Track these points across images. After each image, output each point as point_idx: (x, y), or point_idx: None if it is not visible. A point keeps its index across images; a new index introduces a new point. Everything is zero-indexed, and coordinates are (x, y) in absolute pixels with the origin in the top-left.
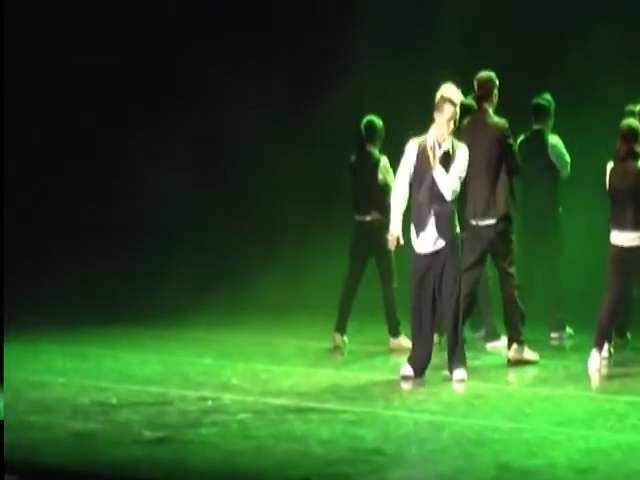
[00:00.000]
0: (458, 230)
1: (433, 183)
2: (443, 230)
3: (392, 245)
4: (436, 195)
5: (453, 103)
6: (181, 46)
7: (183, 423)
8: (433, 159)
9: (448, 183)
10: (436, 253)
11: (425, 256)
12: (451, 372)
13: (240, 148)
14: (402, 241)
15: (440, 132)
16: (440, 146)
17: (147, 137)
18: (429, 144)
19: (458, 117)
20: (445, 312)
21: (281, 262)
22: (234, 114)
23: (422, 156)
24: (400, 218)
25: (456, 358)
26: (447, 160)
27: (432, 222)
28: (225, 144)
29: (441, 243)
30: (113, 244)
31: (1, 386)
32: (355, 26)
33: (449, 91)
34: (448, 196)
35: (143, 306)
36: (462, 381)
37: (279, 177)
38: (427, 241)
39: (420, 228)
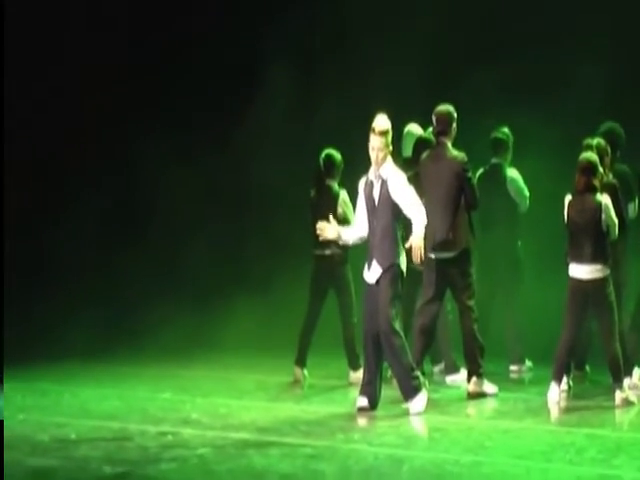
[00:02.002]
0: (399, 261)
1: (373, 216)
2: (381, 260)
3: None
4: (376, 227)
5: (373, 131)
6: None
7: (143, 458)
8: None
9: (412, 212)
10: (377, 283)
11: (372, 287)
12: (407, 404)
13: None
14: (337, 235)
15: (372, 163)
16: (377, 177)
17: (69, 191)
18: (369, 178)
19: (381, 145)
20: (382, 344)
21: (241, 300)
22: (151, 172)
23: (368, 192)
24: (347, 232)
25: (406, 390)
26: (384, 189)
27: (374, 253)
28: (142, 199)
29: (379, 273)
30: (68, 280)
31: (1, 386)
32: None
33: (374, 121)
34: (422, 224)
35: (101, 342)
36: (417, 414)
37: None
38: (372, 272)
39: (368, 259)
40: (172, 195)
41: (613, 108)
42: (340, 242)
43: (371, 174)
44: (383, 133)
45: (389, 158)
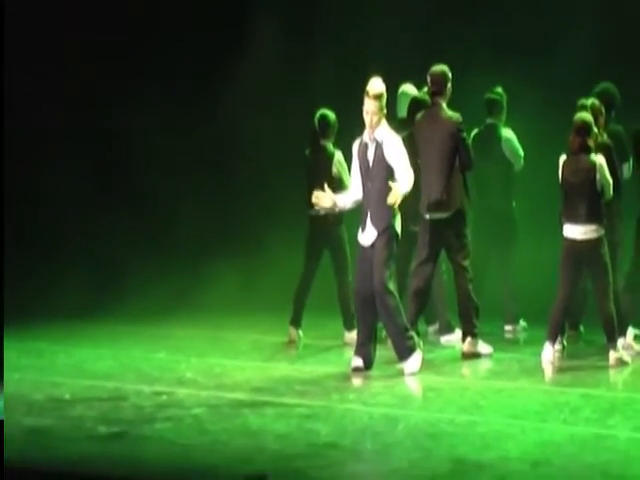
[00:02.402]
0: (394, 223)
1: (368, 178)
2: (376, 222)
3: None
4: (371, 190)
5: (367, 94)
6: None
7: (138, 418)
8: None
9: (402, 175)
10: (372, 246)
11: (366, 249)
12: (401, 364)
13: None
14: (333, 203)
15: (367, 126)
16: (372, 140)
17: (66, 158)
18: (364, 140)
19: (375, 109)
20: (376, 304)
21: (234, 259)
22: (140, 134)
23: (362, 154)
24: (343, 199)
25: (400, 350)
26: (379, 152)
27: (369, 215)
28: (134, 162)
29: (374, 235)
30: (63, 240)
31: (1, 386)
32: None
33: (368, 85)
34: (406, 187)
35: (97, 302)
36: (412, 374)
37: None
38: (367, 234)
39: (363, 222)
40: (164, 156)
41: (604, 68)
42: (337, 209)
43: (365, 136)
44: (377, 97)
45: (384, 121)
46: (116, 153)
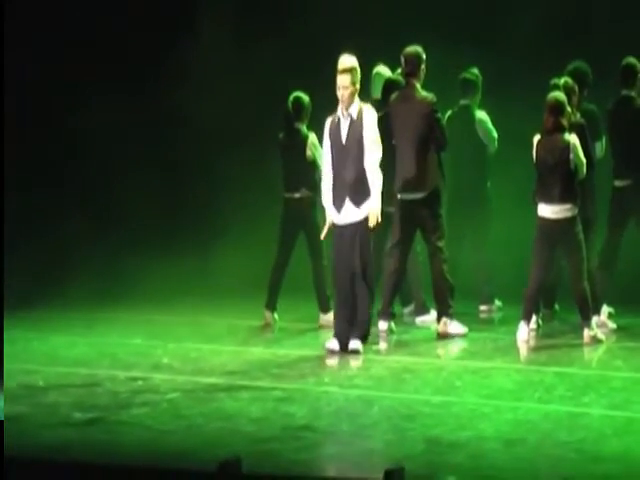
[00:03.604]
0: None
1: (342, 155)
2: (356, 202)
3: (326, 230)
4: (346, 167)
5: (338, 70)
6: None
7: (113, 404)
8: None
9: (369, 153)
10: (350, 225)
11: (342, 227)
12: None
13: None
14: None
15: (340, 102)
16: (345, 116)
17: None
18: (337, 116)
19: (346, 83)
20: (356, 287)
21: (207, 244)
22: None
23: (334, 130)
24: (327, 193)
25: (356, 329)
26: (355, 127)
27: (347, 194)
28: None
29: (354, 216)
30: (33, 227)
31: (1, 386)
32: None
33: (339, 61)
34: (372, 165)
35: (71, 289)
36: (356, 352)
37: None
38: (344, 213)
39: (338, 201)
40: (116, 147)
41: (578, 47)
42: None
43: (338, 112)
44: (347, 70)
45: (357, 98)
46: (67, 146)
